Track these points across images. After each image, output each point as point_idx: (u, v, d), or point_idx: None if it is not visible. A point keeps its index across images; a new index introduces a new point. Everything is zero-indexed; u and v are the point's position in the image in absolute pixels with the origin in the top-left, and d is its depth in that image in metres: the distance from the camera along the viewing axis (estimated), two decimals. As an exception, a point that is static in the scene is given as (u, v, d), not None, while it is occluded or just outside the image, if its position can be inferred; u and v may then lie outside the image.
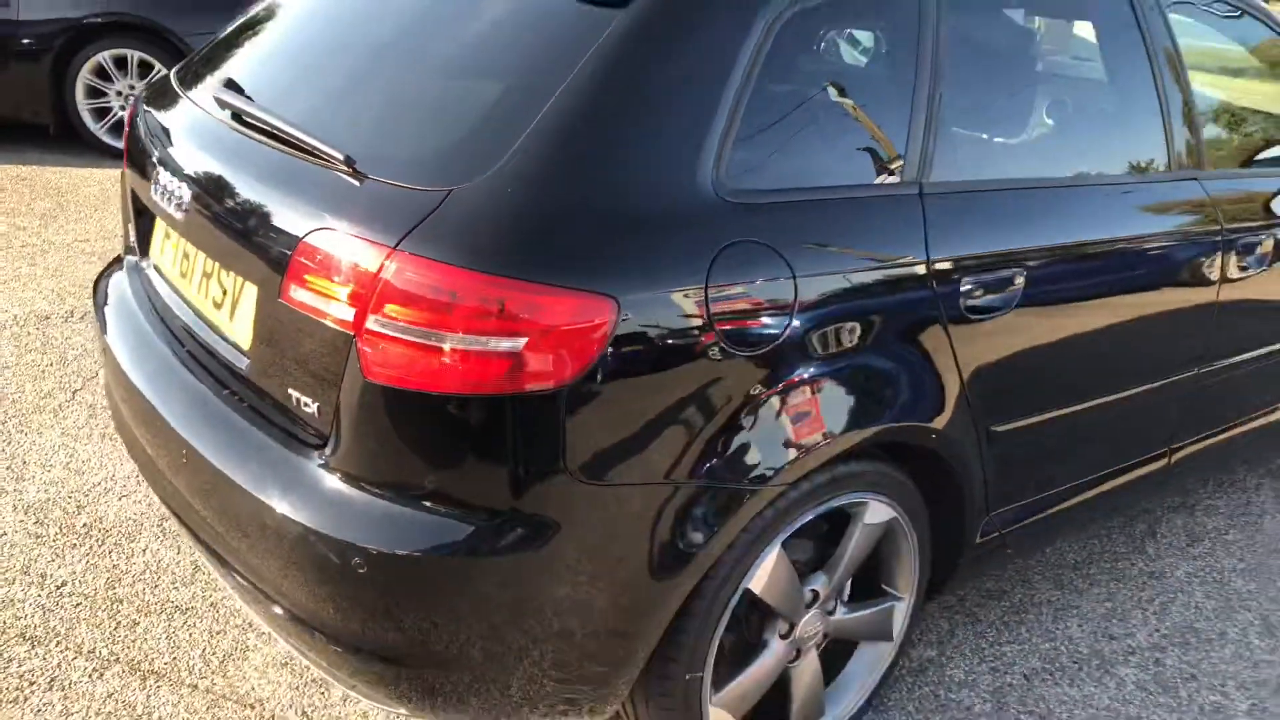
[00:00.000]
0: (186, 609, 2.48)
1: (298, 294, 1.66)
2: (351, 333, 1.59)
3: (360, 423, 1.62)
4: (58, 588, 2.52)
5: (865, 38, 2.05)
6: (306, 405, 1.70)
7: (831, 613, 2.08)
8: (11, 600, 2.46)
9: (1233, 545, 3.08)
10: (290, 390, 1.73)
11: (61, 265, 4.40)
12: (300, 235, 1.67)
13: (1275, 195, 2.82)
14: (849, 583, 2.13)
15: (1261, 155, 3.01)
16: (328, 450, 1.68)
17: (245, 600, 1.89)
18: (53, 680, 2.24)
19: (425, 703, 1.77)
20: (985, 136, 2.19)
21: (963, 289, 1.97)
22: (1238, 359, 2.70)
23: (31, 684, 2.22)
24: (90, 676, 2.26)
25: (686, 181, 1.69)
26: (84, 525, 2.76)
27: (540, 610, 1.67)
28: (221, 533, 1.83)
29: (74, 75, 5.68)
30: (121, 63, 5.75)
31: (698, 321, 1.64)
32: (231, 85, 2.04)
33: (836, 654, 2.21)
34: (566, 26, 1.76)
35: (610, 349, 1.57)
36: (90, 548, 2.67)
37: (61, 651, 2.32)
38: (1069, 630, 2.66)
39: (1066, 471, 2.42)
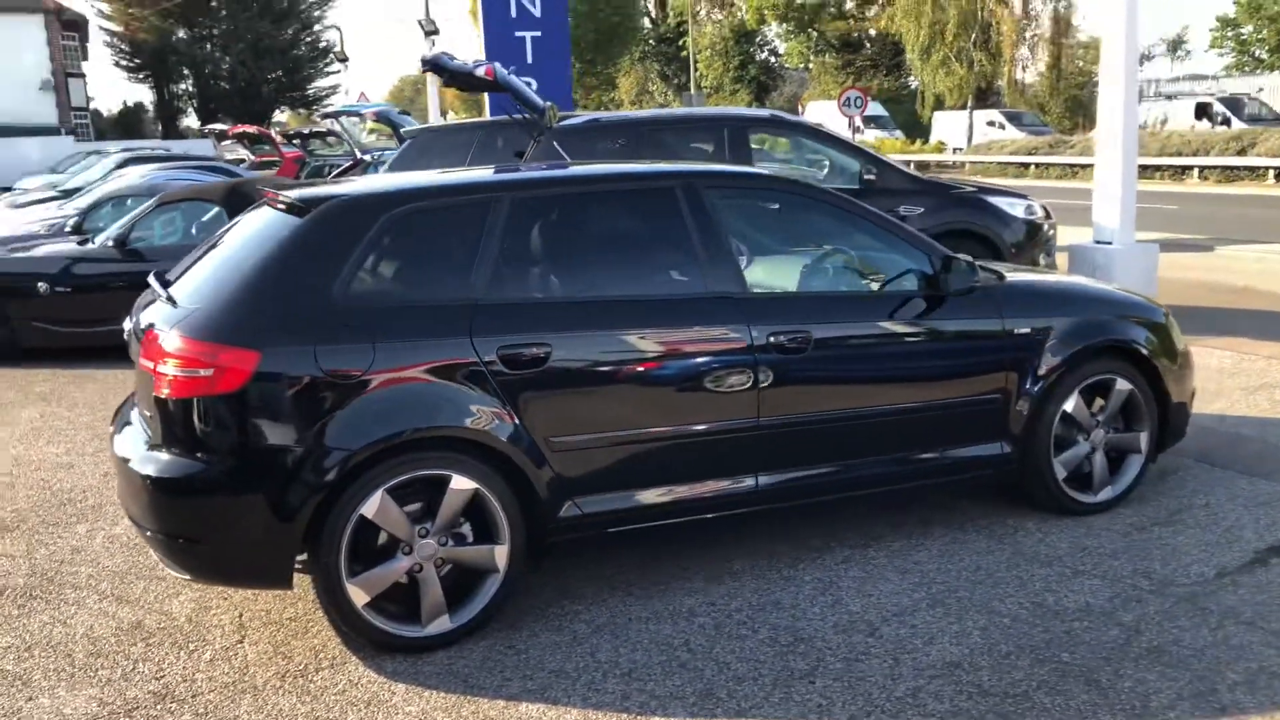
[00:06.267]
0: (143, 578, 4.28)
1: (144, 361, 3.53)
2: (153, 375, 3.42)
3: (157, 417, 3.42)
4: (86, 581, 4.40)
5: (451, 224, 3.75)
6: (150, 417, 3.53)
7: (445, 544, 3.57)
8: (64, 573, 4.36)
9: (894, 550, 4.19)
10: (145, 412, 3.57)
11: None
12: (146, 331, 3.55)
13: (894, 312, 4.18)
14: (467, 526, 3.60)
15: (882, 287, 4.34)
16: (154, 439, 3.48)
17: (146, 540, 3.67)
18: (76, 603, 4.09)
19: (198, 570, 3.48)
20: (528, 275, 3.80)
21: (500, 353, 3.54)
22: (802, 415, 3.98)
23: (63, 599, 4.08)
24: (98, 601, 4.08)
25: (323, 295, 3.45)
26: (102, 544, 4.67)
27: (236, 511, 3.35)
28: (133, 500, 3.62)
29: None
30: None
31: (311, 362, 3.35)
32: (163, 280, 3.98)
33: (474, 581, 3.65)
34: (277, 225, 3.63)
35: (258, 372, 3.30)
36: (100, 548, 4.56)
37: (74, 592, 4.17)
38: (685, 600, 3.92)
39: (638, 477, 3.79)
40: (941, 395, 4.26)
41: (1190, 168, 26.54)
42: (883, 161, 8.92)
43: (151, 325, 3.56)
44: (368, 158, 18.67)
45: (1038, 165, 30.46)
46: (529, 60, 15.09)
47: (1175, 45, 62.55)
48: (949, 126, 38.36)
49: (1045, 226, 8.96)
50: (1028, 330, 4.36)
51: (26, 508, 5.20)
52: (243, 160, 25.39)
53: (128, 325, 3.95)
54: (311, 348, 3.38)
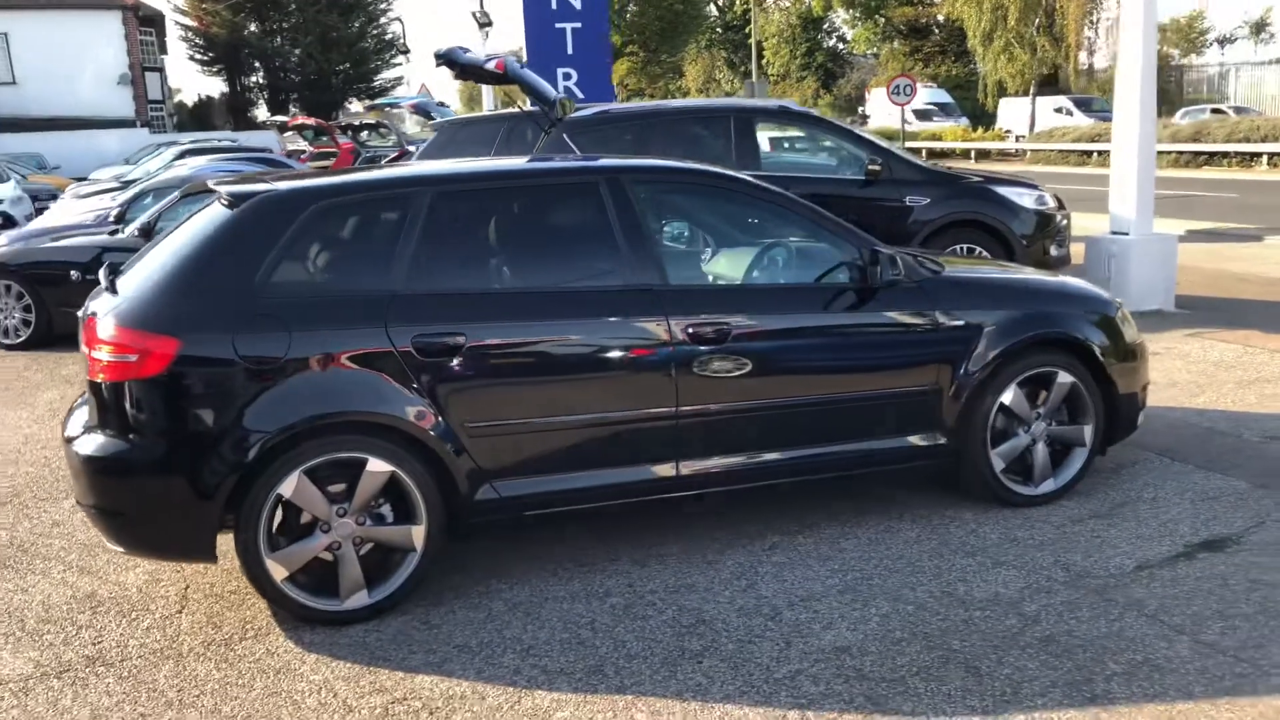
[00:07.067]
0: (108, 551, 4.52)
1: (83, 347, 3.76)
2: (89, 360, 3.65)
3: (92, 401, 3.65)
4: (57, 553, 4.68)
5: (373, 218, 3.93)
6: (89, 398, 3.76)
7: (364, 524, 3.74)
8: (39, 545, 4.64)
9: (823, 538, 4.27)
10: (88, 394, 3.81)
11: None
12: (88, 319, 3.78)
13: (819, 304, 4.24)
14: (387, 507, 3.77)
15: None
16: (90, 420, 3.71)
17: (85, 514, 3.91)
18: (42, 573, 4.36)
19: (129, 544, 3.71)
20: (448, 268, 3.93)
21: (414, 343, 3.70)
22: (723, 405, 4.07)
23: (31, 569, 4.35)
24: (62, 571, 4.35)
25: (245, 285, 3.65)
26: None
27: (160, 489, 3.57)
28: (74, 477, 3.87)
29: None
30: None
31: (230, 349, 3.55)
32: (115, 271, 4.22)
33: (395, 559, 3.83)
34: (213, 219, 3.83)
35: (179, 358, 3.51)
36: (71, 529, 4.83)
37: (43, 562, 4.45)
38: (606, 581, 4.04)
39: (556, 463, 3.92)
40: (868, 386, 4.31)
41: (1259, 155, 25.71)
42: (890, 152, 8.91)
43: (94, 314, 3.79)
44: (412, 148, 19.05)
45: (1100, 153, 29.72)
46: (569, 52, 15.20)
47: (1259, 27, 60.38)
48: (1014, 113, 37.62)
49: (1057, 217, 8.87)
50: (961, 323, 4.38)
51: (23, 483, 5.52)
52: (303, 151, 26.03)
53: (80, 313, 4.20)
54: (230, 336, 3.57)
